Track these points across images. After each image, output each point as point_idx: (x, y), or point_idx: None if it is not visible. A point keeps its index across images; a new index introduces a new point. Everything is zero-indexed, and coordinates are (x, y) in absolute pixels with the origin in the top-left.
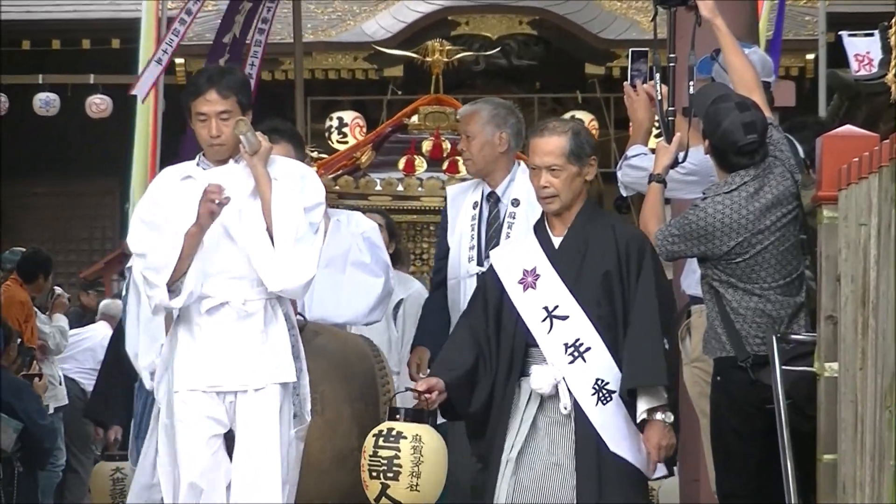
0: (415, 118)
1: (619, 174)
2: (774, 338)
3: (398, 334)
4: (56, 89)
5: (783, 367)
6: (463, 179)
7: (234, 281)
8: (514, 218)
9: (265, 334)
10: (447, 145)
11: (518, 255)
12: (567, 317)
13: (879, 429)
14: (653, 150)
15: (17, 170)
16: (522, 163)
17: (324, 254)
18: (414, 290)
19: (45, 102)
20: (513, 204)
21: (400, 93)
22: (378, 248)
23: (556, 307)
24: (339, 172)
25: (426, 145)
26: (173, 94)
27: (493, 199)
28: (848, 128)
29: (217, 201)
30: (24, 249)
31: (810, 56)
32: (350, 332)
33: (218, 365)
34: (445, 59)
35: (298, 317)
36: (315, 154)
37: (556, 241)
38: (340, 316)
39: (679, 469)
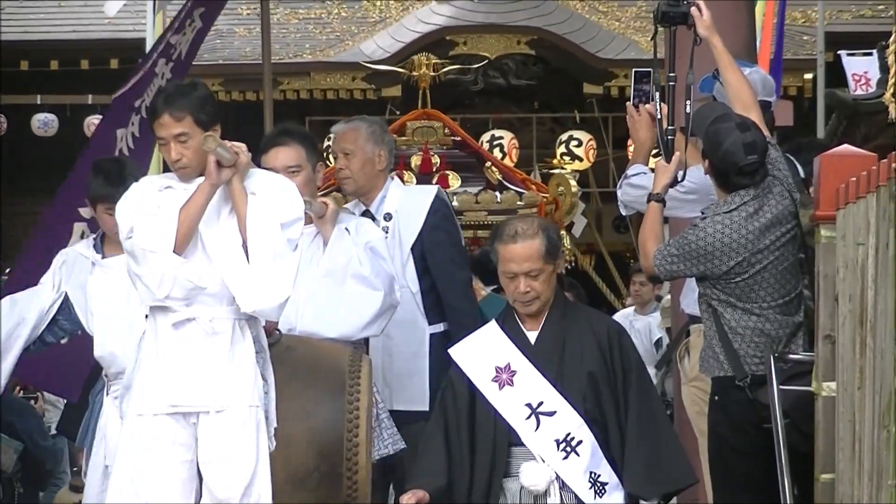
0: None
1: (618, 193)
2: (772, 357)
3: None
4: (55, 110)
5: (781, 387)
6: (454, 194)
7: (203, 297)
8: (386, 232)
9: (231, 354)
10: (436, 160)
11: (486, 351)
12: (554, 412)
13: (877, 448)
14: (653, 170)
15: (17, 190)
16: (396, 178)
17: (324, 264)
18: None
19: (44, 123)
20: (385, 219)
21: (398, 112)
22: (382, 258)
23: (541, 403)
24: (327, 190)
25: (415, 160)
26: None
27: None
28: (846, 147)
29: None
30: None
31: (809, 75)
32: (336, 345)
33: (181, 384)
34: (432, 73)
35: (275, 332)
36: None
37: (532, 336)
38: (335, 330)
39: None
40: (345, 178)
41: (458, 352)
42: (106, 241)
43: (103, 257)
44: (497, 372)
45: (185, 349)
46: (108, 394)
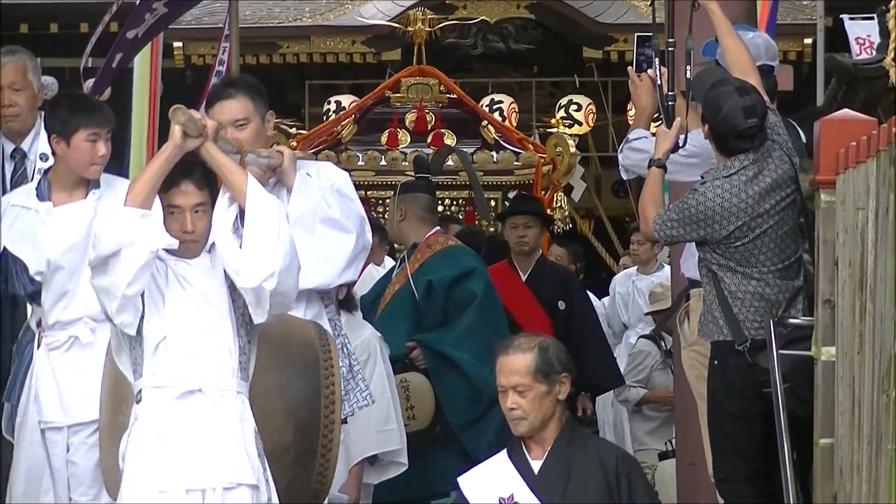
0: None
1: (619, 157)
2: (772, 322)
3: None
4: (54, 72)
5: (781, 351)
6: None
7: (208, 368)
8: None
9: (240, 426)
10: (431, 118)
11: (491, 480)
12: None
13: (877, 413)
14: (654, 135)
15: None
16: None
17: (292, 212)
18: (364, 337)
19: (44, 85)
20: (41, 159)
21: None
22: (350, 199)
23: None
24: (319, 147)
25: (409, 118)
26: (171, 77)
27: (18, 156)
28: (846, 112)
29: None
30: None
31: (808, 40)
32: (305, 320)
33: (193, 461)
34: (428, 29)
35: None
36: (294, 130)
37: (535, 465)
38: (311, 280)
39: (676, 452)
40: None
41: (465, 481)
42: (55, 188)
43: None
44: (500, 502)
45: (194, 423)
46: (38, 346)
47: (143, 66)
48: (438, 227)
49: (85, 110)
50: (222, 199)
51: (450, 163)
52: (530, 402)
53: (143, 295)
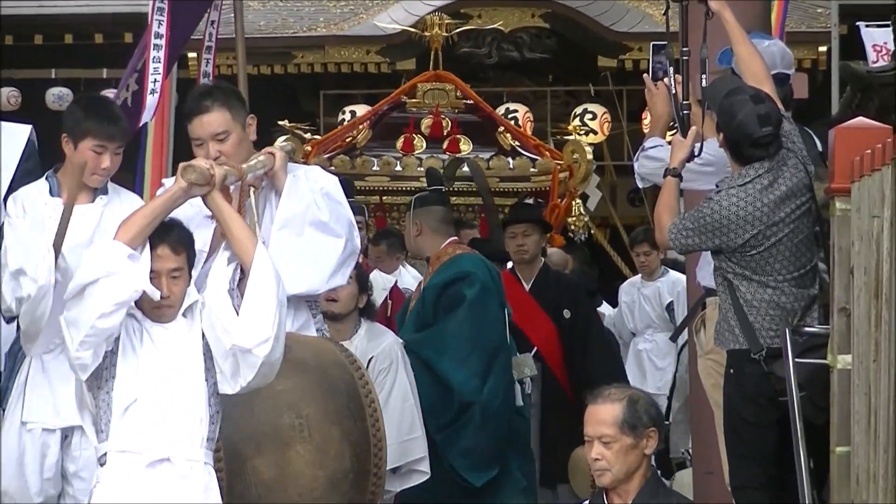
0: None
1: (635, 165)
2: (788, 330)
3: None
4: (69, 84)
5: (796, 360)
6: (465, 159)
7: (176, 436)
8: None
9: (205, 499)
10: (447, 123)
11: None
12: None
13: (893, 421)
14: (670, 143)
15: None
16: None
17: (282, 214)
18: (385, 345)
19: (58, 97)
20: None
21: None
22: (339, 203)
23: None
24: (334, 152)
25: (425, 123)
26: (186, 88)
27: None
28: (860, 119)
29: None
30: None
31: (823, 48)
32: (320, 338)
33: None
34: (444, 34)
35: None
36: (308, 135)
37: None
38: (299, 284)
39: (693, 461)
40: None
41: None
42: (63, 186)
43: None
44: None
45: (160, 495)
46: None
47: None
48: (454, 238)
49: (98, 119)
50: (222, 255)
51: (465, 168)
52: (615, 454)
53: (114, 351)
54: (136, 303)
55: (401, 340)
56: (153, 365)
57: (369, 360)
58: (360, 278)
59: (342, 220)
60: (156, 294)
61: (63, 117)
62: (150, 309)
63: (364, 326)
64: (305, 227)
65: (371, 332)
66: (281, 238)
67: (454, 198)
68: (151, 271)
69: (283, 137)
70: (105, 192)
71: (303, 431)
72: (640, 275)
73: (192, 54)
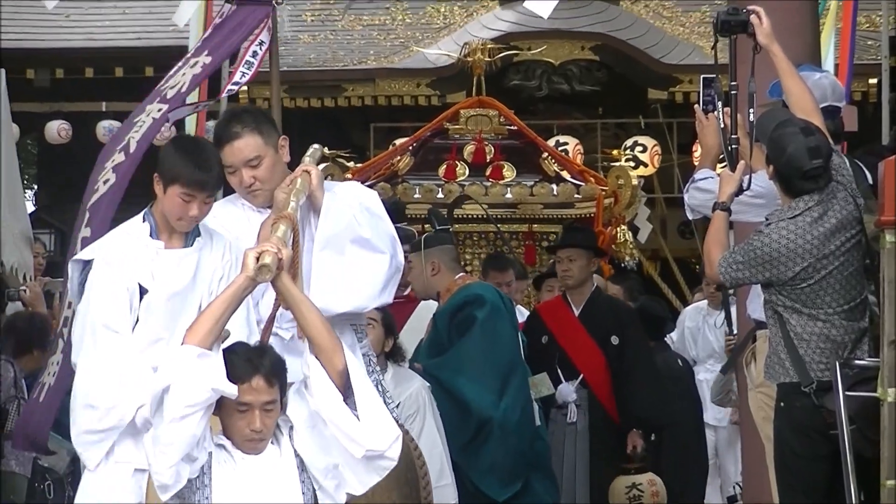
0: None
1: (685, 197)
2: (838, 363)
3: None
4: (119, 117)
5: (847, 393)
6: (508, 186)
7: None
8: None
9: None
10: (490, 150)
11: None
12: None
13: None
14: (721, 175)
15: (81, 197)
16: None
17: (322, 233)
18: (413, 390)
19: (109, 130)
20: None
21: None
22: (380, 218)
23: None
24: (375, 180)
25: (468, 150)
26: None
27: None
28: None
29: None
30: None
31: (873, 80)
32: None
33: None
34: (487, 59)
35: None
36: (351, 163)
37: None
38: (346, 304)
39: (744, 495)
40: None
41: None
42: (161, 229)
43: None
44: None
45: None
46: None
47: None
48: (463, 274)
49: (189, 165)
50: (320, 373)
51: (509, 195)
52: None
53: (205, 483)
54: (225, 433)
55: (428, 385)
56: (247, 497)
57: (396, 406)
58: (387, 321)
59: (384, 235)
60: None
61: (159, 157)
62: (242, 441)
63: (391, 371)
64: (347, 245)
65: (398, 376)
66: (323, 258)
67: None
68: (244, 404)
69: (312, 148)
70: (198, 233)
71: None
72: (704, 300)
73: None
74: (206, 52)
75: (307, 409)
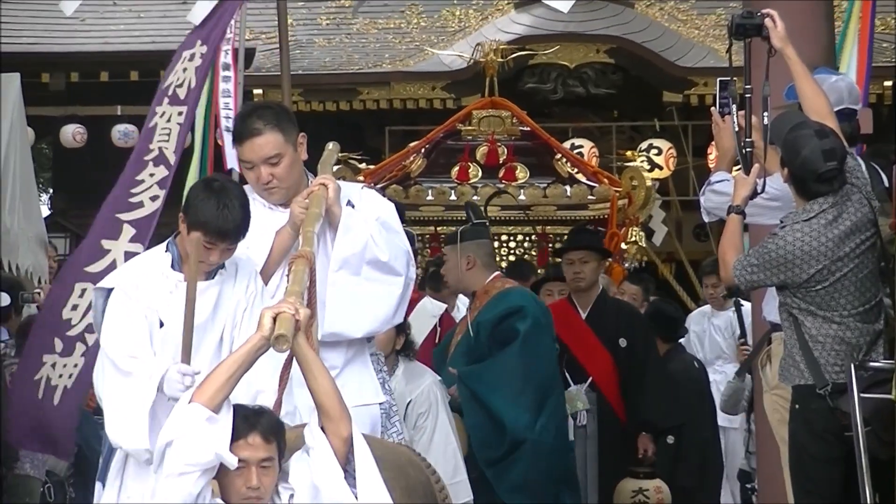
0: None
1: (701, 199)
2: (853, 365)
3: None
4: (134, 120)
5: (861, 395)
6: (521, 188)
7: None
8: None
9: None
10: (503, 151)
11: None
12: None
13: None
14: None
15: (96, 201)
16: None
17: (339, 254)
18: (424, 387)
19: (124, 134)
20: None
21: None
22: (396, 233)
23: None
24: (388, 182)
25: (480, 151)
26: None
27: None
28: None
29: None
30: None
31: (888, 83)
32: (392, 442)
33: None
34: (500, 60)
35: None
36: (363, 165)
37: None
38: (361, 329)
39: (759, 497)
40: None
41: None
42: (183, 263)
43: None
44: None
45: None
46: None
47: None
48: (498, 272)
49: (214, 214)
50: (324, 446)
51: (522, 197)
52: None
53: None
54: (223, 497)
55: (439, 379)
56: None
57: (408, 404)
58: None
59: (400, 254)
60: (233, 462)
61: (186, 196)
62: (240, 502)
63: (402, 367)
64: (363, 267)
65: (409, 373)
66: (338, 280)
67: (511, 228)
68: (241, 460)
69: (328, 150)
70: (222, 265)
71: None
72: (707, 305)
73: (257, 91)
74: (200, 43)
75: (310, 477)
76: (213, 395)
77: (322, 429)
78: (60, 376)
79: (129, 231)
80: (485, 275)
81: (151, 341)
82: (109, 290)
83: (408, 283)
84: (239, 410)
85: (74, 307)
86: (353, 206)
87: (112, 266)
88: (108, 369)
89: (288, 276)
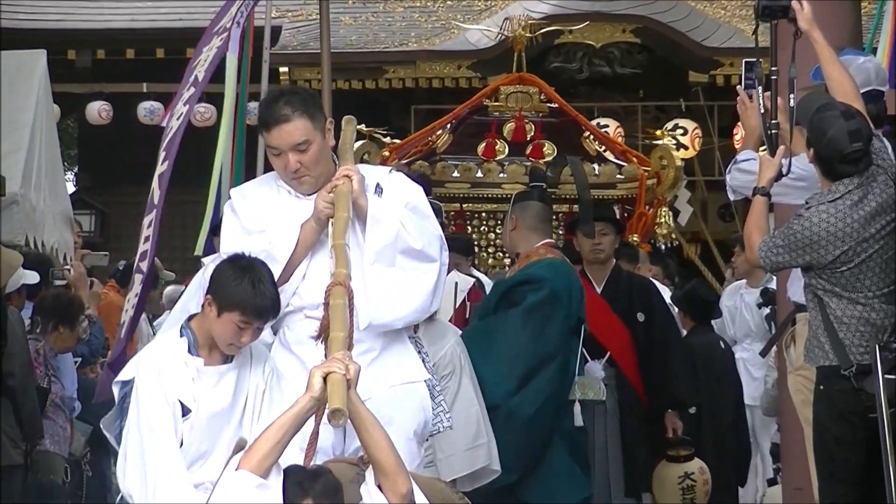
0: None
1: (727, 178)
2: (878, 346)
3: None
4: (160, 98)
5: (886, 376)
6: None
7: None
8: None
9: None
10: (530, 128)
11: None
12: None
13: None
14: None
15: (122, 178)
16: None
17: (371, 246)
18: (448, 348)
19: (150, 111)
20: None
21: None
22: (427, 217)
23: None
24: (413, 158)
25: (508, 128)
26: None
27: None
28: None
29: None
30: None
31: None
32: (429, 477)
33: None
34: (529, 35)
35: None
36: (388, 139)
37: None
38: (399, 318)
39: (783, 477)
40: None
41: None
42: (200, 346)
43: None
44: None
45: None
46: None
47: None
48: (548, 240)
49: (250, 293)
50: None
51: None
52: None
53: None
54: None
55: (460, 339)
56: None
57: (432, 366)
58: None
59: (433, 240)
60: None
61: (212, 277)
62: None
63: (422, 327)
64: (397, 257)
65: (430, 333)
66: (374, 273)
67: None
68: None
69: (345, 129)
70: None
71: None
72: (744, 279)
73: (283, 69)
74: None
75: None
76: (260, 461)
77: (378, 486)
78: (125, 311)
79: (160, 155)
80: (529, 239)
81: (176, 430)
82: (127, 382)
83: (442, 268)
84: (291, 475)
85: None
86: (381, 191)
87: (151, 193)
88: (145, 446)
89: (326, 307)
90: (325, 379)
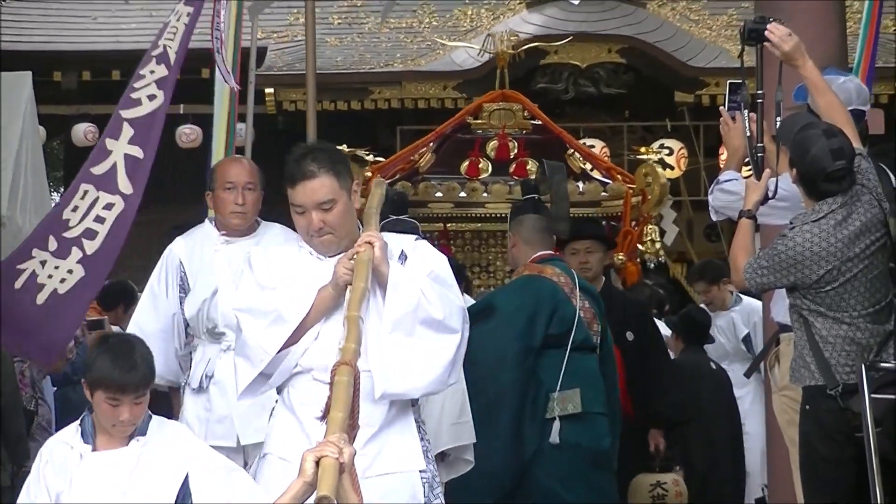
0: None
1: (710, 198)
2: (863, 366)
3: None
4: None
5: (872, 395)
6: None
7: None
8: None
9: None
10: (514, 145)
11: None
12: None
13: None
14: (747, 177)
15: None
16: None
17: (391, 315)
18: None
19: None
20: None
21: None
22: (449, 287)
23: None
24: (395, 177)
25: (491, 146)
26: (263, 123)
27: None
28: None
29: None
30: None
31: None
32: None
33: None
34: (512, 52)
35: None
36: (371, 158)
37: None
38: (416, 389)
39: (769, 497)
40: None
41: None
42: (99, 431)
43: (93, 450)
44: None
45: None
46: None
47: (221, 114)
48: (545, 251)
49: (112, 368)
50: None
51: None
52: None
53: None
54: None
55: None
56: None
57: None
58: None
59: (455, 311)
60: None
61: (86, 359)
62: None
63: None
64: (417, 326)
65: None
66: (392, 342)
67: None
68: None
69: (373, 198)
70: (144, 431)
71: None
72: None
73: (268, 90)
74: (183, 2)
75: None
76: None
77: None
78: (50, 277)
79: (128, 131)
80: (526, 252)
81: None
82: None
83: (463, 340)
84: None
85: (75, 208)
86: (405, 258)
87: (113, 169)
88: None
89: (331, 385)
90: (317, 463)
